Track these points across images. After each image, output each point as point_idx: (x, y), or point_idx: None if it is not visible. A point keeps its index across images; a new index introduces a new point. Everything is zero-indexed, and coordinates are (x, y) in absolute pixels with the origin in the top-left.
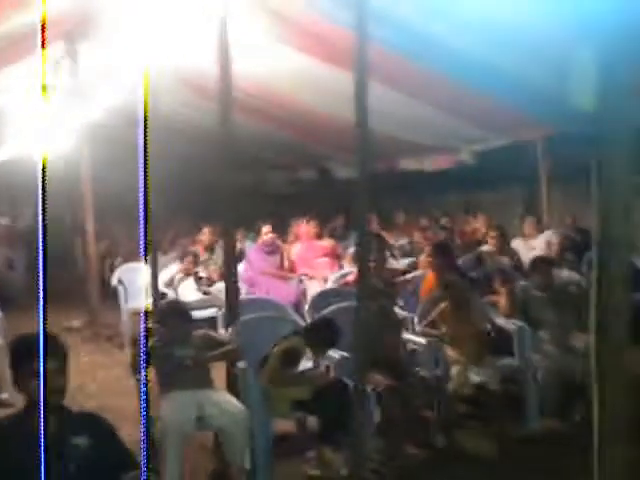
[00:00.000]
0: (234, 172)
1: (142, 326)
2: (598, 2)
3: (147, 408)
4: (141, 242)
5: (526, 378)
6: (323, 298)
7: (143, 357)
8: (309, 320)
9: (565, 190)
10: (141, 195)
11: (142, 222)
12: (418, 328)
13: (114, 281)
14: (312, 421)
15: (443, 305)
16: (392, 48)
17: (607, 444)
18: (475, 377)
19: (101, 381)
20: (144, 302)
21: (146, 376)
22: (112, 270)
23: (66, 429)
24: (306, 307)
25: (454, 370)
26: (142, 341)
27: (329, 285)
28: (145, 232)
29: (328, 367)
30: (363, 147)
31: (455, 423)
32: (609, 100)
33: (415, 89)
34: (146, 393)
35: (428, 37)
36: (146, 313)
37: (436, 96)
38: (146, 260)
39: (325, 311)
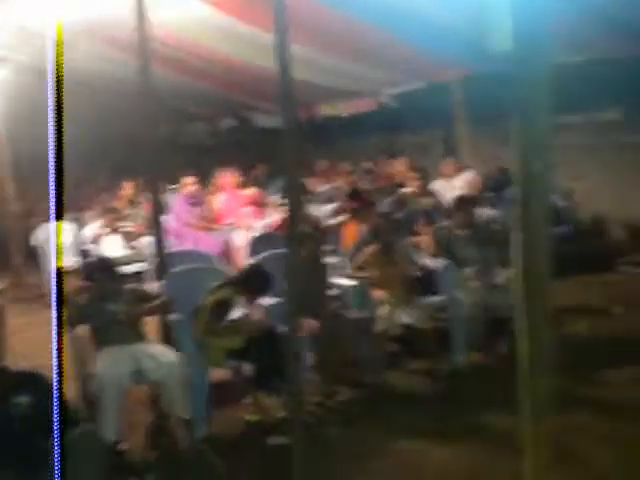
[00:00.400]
0: (154, 124)
1: (53, 285)
2: None
3: (60, 366)
4: (52, 200)
5: (452, 315)
6: (258, 244)
7: (56, 316)
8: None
9: (484, 130)
10: (52, 152)
11: (53, 180)
12: (346, 271)
13: (33, 241)
14: (247, 367)
15: (370, 249)
16: None
17: (532, 376)
18: (404, 317)
19: (31, 341)
20: (66, 260)
21: (59, 334)
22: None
23: (7, 388)
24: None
25: (383, 311)
26: (54, 300)
27: (256, 233)
28: (57, 190)
29: (263, 312)
30: (286, 95)
31: (385, 362)
32: (526, 39)
33: (332, 36)
34: (59, 351)
35: None
36: (58, 272)
37: (353, 42)
38: (58, 218)
39: (255, 259)
